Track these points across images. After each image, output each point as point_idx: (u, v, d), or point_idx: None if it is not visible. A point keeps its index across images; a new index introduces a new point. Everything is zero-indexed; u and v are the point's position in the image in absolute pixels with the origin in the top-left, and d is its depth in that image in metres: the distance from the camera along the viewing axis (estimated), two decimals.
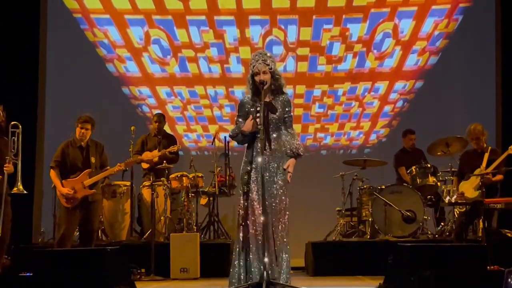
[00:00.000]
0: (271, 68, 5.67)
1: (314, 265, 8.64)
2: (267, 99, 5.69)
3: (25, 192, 7.10)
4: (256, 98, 5.71)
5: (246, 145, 5.79)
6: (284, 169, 5.67)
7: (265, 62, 5.67)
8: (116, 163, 7.86)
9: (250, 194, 5.62)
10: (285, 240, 5.61)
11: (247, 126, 5.65)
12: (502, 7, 10.81)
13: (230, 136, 5.89)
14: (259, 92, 5.67)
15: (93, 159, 7.59)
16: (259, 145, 5.55)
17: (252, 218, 5.57)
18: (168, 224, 8.98)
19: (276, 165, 5.66)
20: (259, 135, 5.53)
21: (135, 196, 9.36)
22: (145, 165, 9.46)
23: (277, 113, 5.67)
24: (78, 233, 7.78)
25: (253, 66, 5.70)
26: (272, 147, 5.65)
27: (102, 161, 7.73)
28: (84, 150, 7.61)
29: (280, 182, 5.65)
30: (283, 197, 5.64)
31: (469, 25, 10.90)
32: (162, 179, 9.07)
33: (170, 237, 8.40)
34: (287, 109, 5.76)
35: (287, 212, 5.68)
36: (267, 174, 5.59)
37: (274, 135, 5.69)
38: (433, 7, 10.88)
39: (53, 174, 7.56)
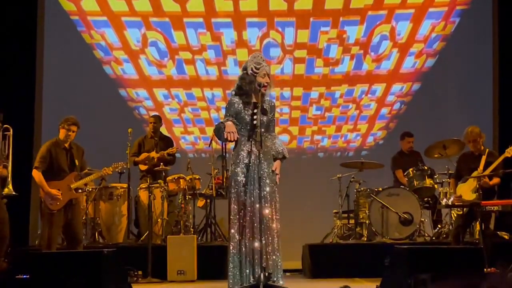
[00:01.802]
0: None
1: (311, 267, 8.64)
2: (256, 100, 5.75)
3: (14, 193, 7.12)
4: (246, 99, 5.74)
5: (237, 146, 5.79)
6: (273, 171, 5.69)
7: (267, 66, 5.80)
8: (113, 165, 7.89)
9: (241, 196, 5.64)
10: (276, 241, 5.63)
11: (229, 128, 5.62)
12: (499, 10, 10.82)
13: (214, 130, 5.87)
14: (250, 93, 5.73)
15: (77, 162, 7.56)
16: (255, 146, 5.58)
17: (244, 219, 5.59)
18: (165, 226, 8.98)
19: (267, 166, 5.68)
20: (255, 137, 5.56)
21: (132, 198, 9.35)
22: (142, 167, 9.46)
23: (266, 116, 5.75)
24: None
25: (259, 68, 5.71)
26: (263, 149, 5.68)
27: (82, 164, 7.71)
28: (68, 152, 7.57)
29: (271, 183, 5.67)
30: (274, 198, 5.67)
31: (466, 27, 10.91)
32: (159, 181, 9.06)
33: (167, 239, 8.39)
34: (272, 113, 5.83)
35: (278, 213, 5.69)
36: (253, 173, 5.62)
37: (263, 138, 5.72)
38: (430, 9, 10.89)
39: (38, 174, 7.43)
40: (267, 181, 5.66)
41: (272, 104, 5.89)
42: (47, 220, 7.44)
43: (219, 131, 5.69)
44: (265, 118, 5.72)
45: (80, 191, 7.76)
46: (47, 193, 7.37)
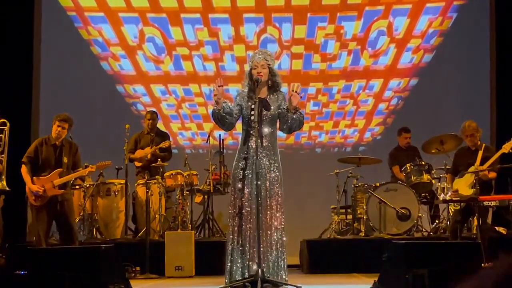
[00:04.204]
0: (269, 64, 5.78)
1: (309, 263, 8.64)
2: (263, 95, 5.75)
3: (7, 189, 7.16)
4: (252, 93, 5.78)
5: (240, 142, 5.83)
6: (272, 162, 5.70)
7: (265, 58, 5.78)
8: (111, 162, 7.90)
9: (242, 191, 5.65)
10: (281, 236, 5.65)
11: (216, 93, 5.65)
12: (496, 5, 10.82)
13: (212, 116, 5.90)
14: (252, 87, 5.77)
15: (65, 159, 7.54)
16: (253, 141, 5.60)
17: (244, 215, 5.60)
18: (162, 222, 8.98)
19: (268, 161, 5.68)
20: (253, 133, 5.58)
21: (130, 194, 9.35)
22: (137, 163, 9.46)
23: (271, 110, 5.73)
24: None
25: (252, 61, 5.78)
26: (264, 143, 5.68)
27: (75, 161, 7.68)
28: (58, 149, 7.56)
29: (272, 178, 5.67)
30: (275, 194, 5.67)
31: (463, 23, 10.92)
32: (156, 177, 9.06)
33: (165, 235, 8.39)
34: (281, 105, 5.82)
35: (282, 209, 5.70)
36: (252, 169, 5.63)
37: (267, 132, 5.72)
38: (428, 5, 10.88)
39: (24, 170, 7.47)
40: (267, 176, 5.66)
41: (283, 97, 5.87)
42: (34, 216, 7.50)
43: (215, 117, 5.72)
44: (266, 113, 5.72)
45: (67, 188, 7.72)
46: (29, 188, 7.39)
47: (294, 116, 5.69)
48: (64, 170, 7.51)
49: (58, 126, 7.48)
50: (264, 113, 5.71)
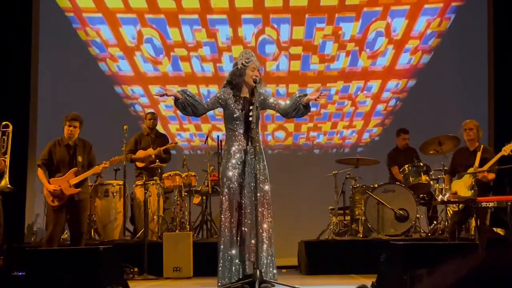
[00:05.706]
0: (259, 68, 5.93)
1: (307, 264, 8.64)
2: (247, 95, 5.83)
3: (9, 186, 7.20)
4: (237, 93, 5.84)
5: (227, 142, 5.90)
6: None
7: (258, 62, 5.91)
8: (110, 160, 7.92)
9: (235, 191, 5.67)
10: (270, 234, 5.68)
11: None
12: (494, 6, 10.83)
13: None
14: (240, 86, 5.83)
15: (80, 158, 7.57)
16: (243, 141, 5.66)
17: (235, 214, 5.63)
18: (161, 223, 8.98)
19: (256, 159, 5.71)
20: (251, 134, 5.61)
21: (128, 195, 9.35)
22: (140, 164, 9.45)
23: (255, 111, 5.82)
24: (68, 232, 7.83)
25: (249, 62, 5.81)
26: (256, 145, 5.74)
27: (90, 160, 7.70)
28: (72, 149, 7.58)
29: (261, 177, 5.70)
30: (265, 192, 5.70)
31: (461, 24, 10.93)
32: (155, 178, 9.06)
33: (163, 236, 8.39)
34: (263, 97, 5.90)
35: (270, 207, 5.74)
36: (248, 169, 5.66)
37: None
38: (426, 6, 10.90)
39: (40, 172, 7.55)
40: (261, 177, 5.69)
41: (260, 92, 5.91)
42: (49, 217, 7.53)
43: (179, 106, 5.91)
44: (254, 113, 5.78)
45: (83, 187, 7.74)
46: (47, 189, 7.41)
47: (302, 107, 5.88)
48: (80, 169, 7.54)
49: (69, 126, 7.52)
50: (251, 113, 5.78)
